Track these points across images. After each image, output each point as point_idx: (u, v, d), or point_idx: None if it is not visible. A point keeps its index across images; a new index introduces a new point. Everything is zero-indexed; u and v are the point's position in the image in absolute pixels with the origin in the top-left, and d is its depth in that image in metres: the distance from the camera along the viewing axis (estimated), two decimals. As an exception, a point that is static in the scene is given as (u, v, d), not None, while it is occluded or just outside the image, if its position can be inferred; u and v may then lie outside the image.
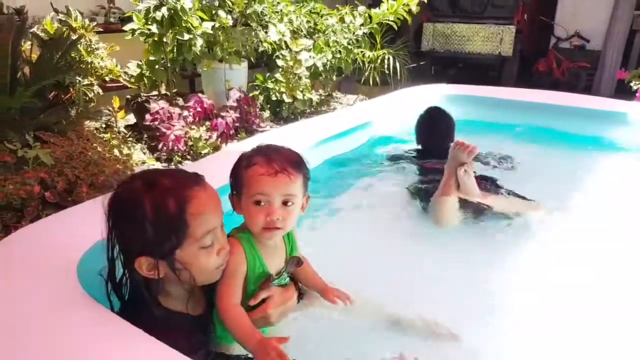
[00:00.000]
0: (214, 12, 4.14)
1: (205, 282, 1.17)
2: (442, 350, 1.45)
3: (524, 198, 2.26)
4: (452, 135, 2.57)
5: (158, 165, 3.36)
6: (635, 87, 4.85)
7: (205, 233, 1.08)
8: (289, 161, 1.23)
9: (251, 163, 1.21)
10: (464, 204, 2.12)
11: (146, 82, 4.05)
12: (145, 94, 4.09)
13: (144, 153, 3.52)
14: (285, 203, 1.22)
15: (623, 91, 5.26)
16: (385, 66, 5.66)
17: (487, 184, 2.34)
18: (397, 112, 3.76)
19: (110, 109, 3.75)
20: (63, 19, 3.83)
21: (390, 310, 1.52)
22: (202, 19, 3.92)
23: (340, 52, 5.25)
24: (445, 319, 1.50)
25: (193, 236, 1.06)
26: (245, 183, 1.21)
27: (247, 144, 2.78)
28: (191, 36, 3.78)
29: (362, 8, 5.44)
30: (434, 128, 2.63)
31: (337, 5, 5.66)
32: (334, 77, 5.52)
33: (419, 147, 2.81)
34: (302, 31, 5.16)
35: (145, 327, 1.06)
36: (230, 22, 4.24)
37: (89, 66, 3.84)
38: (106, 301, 1.15)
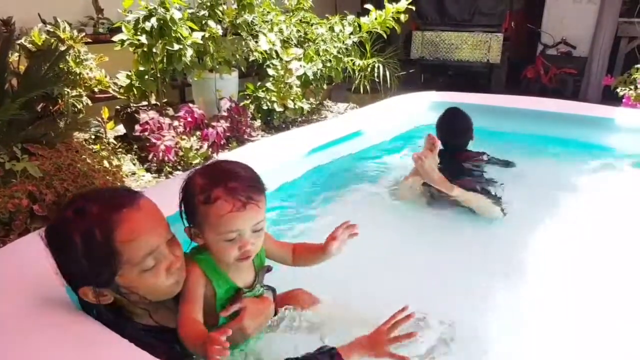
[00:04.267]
0: (203, 22, 4.14)
1: (163, 298, 1.13)
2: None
3: (495, 198, 2.39)
4: (469, 134, 2.74)
5: (148, 176, 3.34)
6: (621, 93, 4.91)
7: (145, 256, 1.03)
8: (250, 186, 1.15)
9: (211, 199, 1.11)
10: (428, 189, 2.44)
11: (136, 92, 4.03)
12: (134, 105, 4.07)
13: (134, 164, 3.49)
14: (255, 230, 1.18)
15: (610, 97, 5.32)
16: (375, 74, 5.69)
17: (470, 179, 2.53)
18: (387, 119, 3.78)
19: (100, 119, 3.72)
20: (51, 30, 3.81)
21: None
22: (192, 29, 3.92)
23: (330, 60, 5.27)
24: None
25: (130, 262, 1.02)
26: (210, 222, 1.13)
27: (238, 154, 2.79)
28: (181, 46, 3.77)
29: (351, 17, 5.48)
30: (451, 127, 2.77)
31: (326, 15, 5.69)
32: (325, 86, 5.54)
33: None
34: (292, 40, 5.17)
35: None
36: (220, 32, 4.25)
37: (78, 77, 3.82)
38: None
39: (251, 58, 4.77)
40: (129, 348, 1.04)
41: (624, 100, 4.86)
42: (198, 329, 1.11)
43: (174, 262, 1.09)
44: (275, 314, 1.40)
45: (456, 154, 2.70)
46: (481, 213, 2.35)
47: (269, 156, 2.71)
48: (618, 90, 4.95)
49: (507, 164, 2.97)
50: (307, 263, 1.45)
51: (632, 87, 4.81)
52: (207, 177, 1.16)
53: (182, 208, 1.20)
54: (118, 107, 4.08)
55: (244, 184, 1.14)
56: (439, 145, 2.37)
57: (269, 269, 1.38)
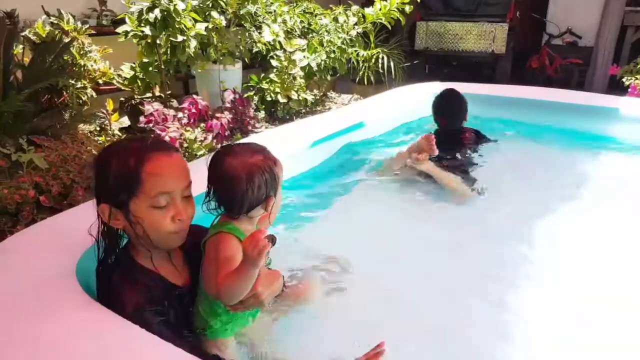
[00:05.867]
0: (207, 13, 4.13)
1: (162, 245, 1.23)
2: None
3: (470, 181, 2.56)
4: (463, 114, 2.88)
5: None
6: (627, 83, 4.87)
7: (159, 193, 1.16)
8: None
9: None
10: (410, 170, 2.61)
11: (140, 84, 4.03)
12: (139, 96, 4.08)
13: (139, 155, 3.50)
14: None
15: (615, 87, 5.29)
16: (380, 65, 5.67)
17: (452, 161, 2.72)
18: (391, 110, 3.77)
19: (104, 111, 3.73)
20: (55, 22, 3.82)
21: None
22: (196, 20, 3.91)
23: (334, 51, 5.24)
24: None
25: (146, 193, 1.15)
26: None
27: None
28: (185, 37, 3.77)
29: (355, 7, 5.44)
30: (446, 106, 2.92)
31: (330, 5, 5.66)
32: (329, 77, 5.52)
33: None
34: (296, 31, 5.15)
35: (110, 273, 1.20)
36: (224, 23, 4.24)
37: (82, 69, 3.83)
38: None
39: (255, 49, 4.76)
40: (139, 333, 1.06)
41: (629, 89, 4.83)
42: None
43: (181, 213, 1.20)
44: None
45: (450, 131, 2.89)
46: (452, 191, 2.51)
47: (273, 147, 2.71)
48: (624, 79, 4.92)
49: (495, 141, 3.08)
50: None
51: (638, 76, 4.78)
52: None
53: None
54: (122, 99, 4.09)
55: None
56: (436, 150, 2.49)
57: (273, 240, 1.37)
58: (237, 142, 3.08)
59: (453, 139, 2.89)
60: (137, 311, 1.13)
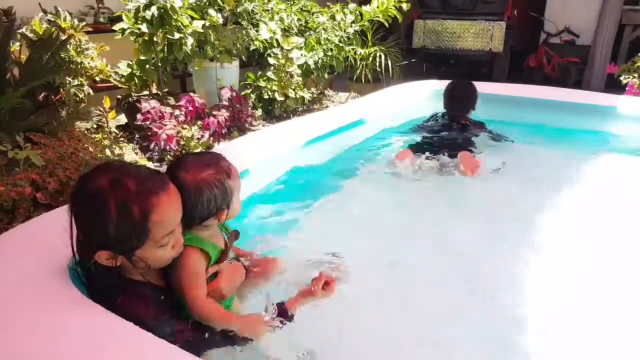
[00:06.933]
0: (204, 10, 4.12)
1: (158, 267, 1.24)
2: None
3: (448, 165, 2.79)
4: (470, 101, 3.16)
5: (150, 165, 3.35)
6: (625, 81, 4.88)
7: (165, 235, 1.14)
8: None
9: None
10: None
11: (137, 81, 4.03)
12: (136, 94, 4.07)
13: (136, 153, 3.50)
14: None
15: (613, 85, 5.29)
16: (377, 63, 5.66)
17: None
18: (388, 108, 3.78)
19: (101, 109, 3.72)
20: (52, 19, 3.80)
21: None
22: (193, 18, 3.90)
23: (331, 49, 5.24)
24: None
25: (153, 239, 1.12)
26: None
27: (240, 143, 2.79)
28: (181, 35, 3.76)
29: (352, 5, 5.44)
30: (454, 93, 3.20)
31: (327, 3, 5.66)
32: (326, 75, 5.52)
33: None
34: (293, 29, 5.15)
35: (110, 295, 1.16)
36: (221, 21, 4.23)
37: (79, 66, 3.82)
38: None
39: (252, 47, 4.76)
40: (133, 330, 1.06)
41: (627, 88, 4.84)
42: (221, 311, 1.32)
43: (178, 240, 1.20)
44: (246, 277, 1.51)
45: (456, 118, 3.11)
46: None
47: (271, 145, 2.72)
48: (621, 78, 4.93)
49: (506, 139, 3.22)
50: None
51: (636, 75, 4.79)
52: None
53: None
54: (119, 96, 4.09)
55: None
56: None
57: (236, 236, 1.46)
58: (233, 140, 3.09)
59: (453, 123, 3.09)
60: (157, 322, 1.16)
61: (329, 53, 5.23)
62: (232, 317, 1.33)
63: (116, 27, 3.73)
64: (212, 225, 1.35)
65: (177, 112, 3.57)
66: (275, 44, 4.79)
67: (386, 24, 5.42)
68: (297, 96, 4.73)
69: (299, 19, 5.25)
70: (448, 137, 3.05)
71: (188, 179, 1.26)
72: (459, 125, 3.12)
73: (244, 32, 4.60)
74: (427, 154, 2.87)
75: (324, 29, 5.23)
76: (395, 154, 2.94)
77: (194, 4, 4.06)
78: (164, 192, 1.12)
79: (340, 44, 5.32)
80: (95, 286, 1.20)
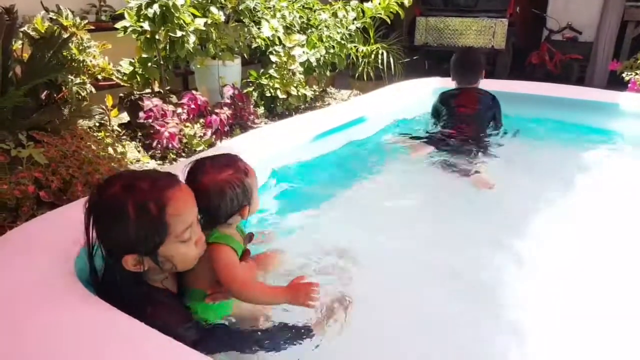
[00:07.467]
0: (206, 8, 4.11)
1: (184, 269, 1.27)
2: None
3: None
4: (478, 68, 3.21)
5: (153, 163, 3.35)
6: (627, 78, 4.87)
7: (185, 230, 1.17)
8: None
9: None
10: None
11: (139, 79, 4.02)
12: (138, 92, 4.07)
13: (139, 151, 3.50)
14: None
15: (615, 82, 5.28)
16: (379, 61, 5.65)
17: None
18: (390, 105, 3.77)
19: (104, 107, 3.73)
20: (54, 17, 3.80)
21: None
22: (195, 16, 3.90)
23: (333, 47, 5.23)
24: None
25: (174, 234, 1.16)
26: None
27: (242, 140, 2.79)
28: (183, 33, 3.76)
29: (354, 2, 5.43)
30: (462, 61, 3.24)
31: (329, 0, 5.65)
32: (328, 73, 5.51)
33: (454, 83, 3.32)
34: (295, 27, 5.14)
35: (140, 306, 1.16)
36: (223, 19, 4.22)
37: (81, 65, 3.82)
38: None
39: (254, 45, 4.75)
40: (141, 327, 1.07)
41: (629, 85, 4.82)
42: (270, 287, 1.43)
43: (201, 237, 1.25)
44: None
45: (464, 91, 3.14)
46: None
47: (273, 143, 2.72)
48: (624, 75, 4.91)
49: (515, 132, 3.23)
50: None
51: (638, 71, 4.77)
52: None
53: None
54: (122, 94, 4.09)
55: None
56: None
57: (251, 238, 1.53)
58: (235, 137, 3.09)
59: (466, 99, 3.10)
60: (185, 329, 1.20)
61: (331, 50, 5.22)
62: (280, 290, 1.38)
63: (118, 25, 3.73)
64: (235, 222, 1.45)
65: (179, 110, 3.57)
66: (277, 42, 4.78)
67: (388, 21, 5.41)
68: (299, 94, 4.73)
69: (300, 17, 5.24)
70: (463, 134, 3.04)
71: (209, 182, 1.34)
72: (475, 101, 3.12)
73: (245, 29, 4.60)
74: (443, 152, 2.92)
75: (325, 26, 5.22)
76: (410, 150, 3.00)
77: (196, 2, 4.06)
78: (176, 186, 1.17)
79: (342, 42, 5.31)
80: (123, 298, 1.19)
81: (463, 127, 3.06)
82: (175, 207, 1.14)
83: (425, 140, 3.11)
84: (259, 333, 1.30)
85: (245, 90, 4.47)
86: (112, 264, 1.16)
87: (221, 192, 1.34)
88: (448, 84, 3.42)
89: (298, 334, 1.35)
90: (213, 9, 4.13)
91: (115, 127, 3.80)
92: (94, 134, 3.31)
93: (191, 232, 1.20)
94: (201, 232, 1.26)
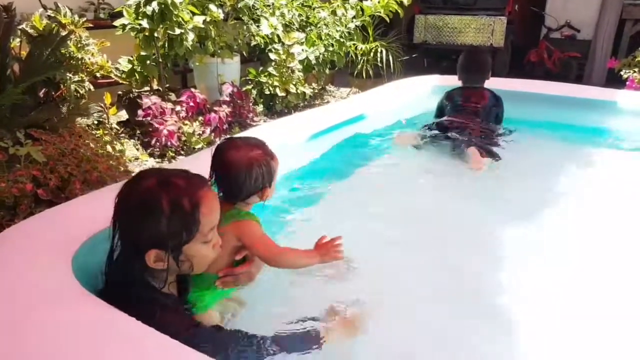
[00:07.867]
0: (204, 6, 4.10)
1: (198, 272, 1.27)
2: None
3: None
4: (484, 69, 3.27)
5: (151, 161, 3.35)
6: (625, 76, 4.87)
7: (210, 230, 1.20)
8: None
9: None
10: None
11: (138, 77, 4.01)
12: (137, 90, 4.06)
13: (137, 149, 3.50)
14: None
15: (614, 80, 5.29)
16: (378, 59, 5.65)
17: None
18: (389, 103, 3.77)
19: (102, 105, 3.72)
20: (52, 15, 3.79)
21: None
22: (193, 13, 3.89)
23: (332, 45, 5.23)
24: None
25: (202, 232, 1.17)
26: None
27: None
28: (182, 31, 3.75)
29: (353, 0, 5.42)
30: (468, 63, 3.29)
31: (328, -2, 5.64)
32: (327, 71, 5.51)
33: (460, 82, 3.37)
34: (294, 24, 5.13)
35: (149, 310, 1.14)
36: (222, 16, 4.21)
37: (80, 62, 3.81)
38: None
39: (253, 43, 4.75)
40: (139, 326, 1.06)
41: (627, 82, 4.83)
42: (300, 252, 1.53)
43: (218, 241, 1.27)
44: None
45: (469, 88, 3.19)
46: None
47: (272, 140, 2.70)
48: (622, 73, 4.92)
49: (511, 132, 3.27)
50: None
51: (636, 69, 4.78)
52: None
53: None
54: (120, 92, 4.08)
55: None
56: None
57: None
58: (239, 135, 3.09)
59: (471, 96, 3.14)
60: (193, 331, 1.19)
61: (330, 48, 5.21)
62: (308, 252, 1.52)
63: (117, 22, 3.72)
64: (253, 202, 1.52)
65: (178, 107, 3.57)
66: (276, 40, 4.77)
67: (387, 19, 5.40)
68: (298, 92, 4.73)
69: (300, 14, 5.23)
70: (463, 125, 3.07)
71: (241, 156, 1.43)
72: (480, 98, 3.16)
73: (245, 27, 4.59)
74: (436, 132, 3.01)
75: (325, 24, 5.22)
76: (395, 138, 3.12)
77: (194, 0, 4.05)
78: (206, 188, 1.21)
79: (342, 39, 5.31)
80: (131, 299, 1.17)
81: (464, 118, 3.08)
82: (208, 207, 1.17)
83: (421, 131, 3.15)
84: (267, 340, 1.25)
85: (244, 88, 4.47)
86: (131, 260, 1.15)
87: (249, 167, 1.42)
88: (447, 81, 3.43)
89: (306, 340, 1.31)
90: (212, 6, 4.12)
91: (114, 125, 3.79)
92: (93, 132, 3.30)
93: (213, 234, 1.22)
94: (218, 236, 1.27)
